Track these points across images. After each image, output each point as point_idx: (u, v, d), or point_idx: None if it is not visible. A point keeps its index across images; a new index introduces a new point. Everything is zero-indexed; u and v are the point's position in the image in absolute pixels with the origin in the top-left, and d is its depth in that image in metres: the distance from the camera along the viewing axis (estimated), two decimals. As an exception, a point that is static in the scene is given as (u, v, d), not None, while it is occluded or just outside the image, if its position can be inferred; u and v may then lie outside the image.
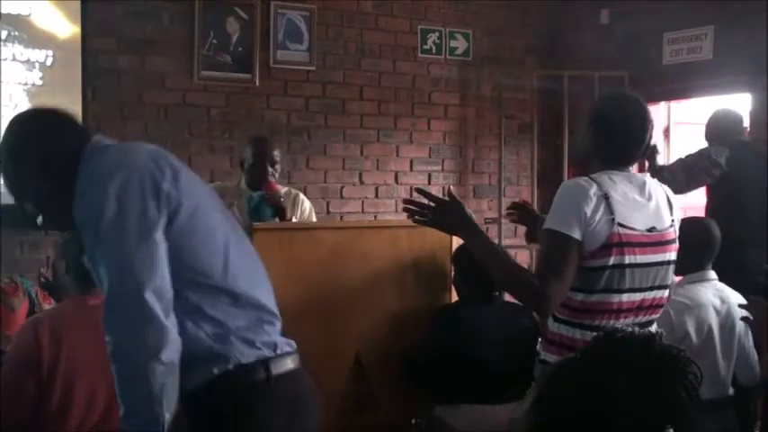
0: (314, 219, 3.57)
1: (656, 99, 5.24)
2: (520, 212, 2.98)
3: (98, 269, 1.69)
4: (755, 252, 3.88)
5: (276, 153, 3.48)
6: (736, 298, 2.95)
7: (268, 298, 1.88)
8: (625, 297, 2.11)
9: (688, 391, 1.41)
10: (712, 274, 3.01)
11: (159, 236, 1.66)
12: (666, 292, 2.23)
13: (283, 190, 3.39)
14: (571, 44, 5.93)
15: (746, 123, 4.61)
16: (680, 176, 4.08)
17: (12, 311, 2.83)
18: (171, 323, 1.64)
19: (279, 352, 1.82)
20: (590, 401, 1.44)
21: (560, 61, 5.92)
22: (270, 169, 3.38)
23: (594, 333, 1.77)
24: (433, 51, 5.62)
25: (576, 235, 2.04)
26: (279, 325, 1.88)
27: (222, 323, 1.75)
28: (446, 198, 2.14)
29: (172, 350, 1.63)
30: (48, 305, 2.95)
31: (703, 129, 4.51)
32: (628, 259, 2.08)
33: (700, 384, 1.43)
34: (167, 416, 1.63)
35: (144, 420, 1.63)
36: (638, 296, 2.13)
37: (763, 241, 3.91)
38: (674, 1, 5.19)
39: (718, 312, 2.90)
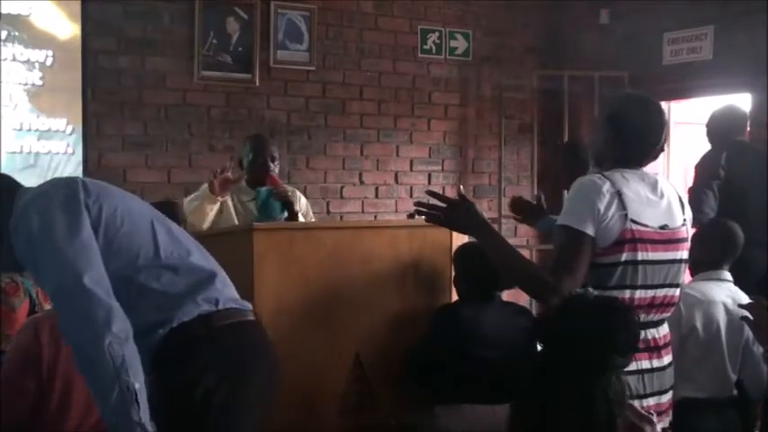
0: (311, 214, 3.58)
1: (656, 99, 5.22)
2: (520, 210, 2.97)
3: (44, 284, 1.87)
4: (756, 251, 3.88)
5: (275, 149, 3.48)
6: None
7: (204, 260, 2.05)
8: (637, 293, 2.12)
9: (626, 324, 1.73)
10: (727, 275, 3.00)
11: (86, 235, 1.83)
12: (678, 291, 2.23)
13: None
14: (571, 44, 5.93)
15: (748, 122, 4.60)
16: (707, 202, 4.09)
17: (12, 311, 2.82)
18: (114, 302, 1.78)
19: (221, 306, 1.97)
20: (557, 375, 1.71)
21: (560, 61, 5.92)
22: (270, 165, 3.39)
23: None
24: (433, 51, 5.62)
25: (590, 231, 2.06)
26: (221, 281, 2.03)
27: (169, 293, 1.93)
28: (457, 198, 2.15)
29: (121, 323, 1.76)
30: (48, 305, 2.94)
31: (703, 129, 4.51)
32: (640, 256, 2.10)
33: (636, 318, 1.76)
34: (137, 384, 1.73)
35: (116, 394, 1.72)
36: (649, 293, 2.14)
37: (763, 241, 3.91)
38: (674, 1, 5.20)
39: (728, 311, 2.89)
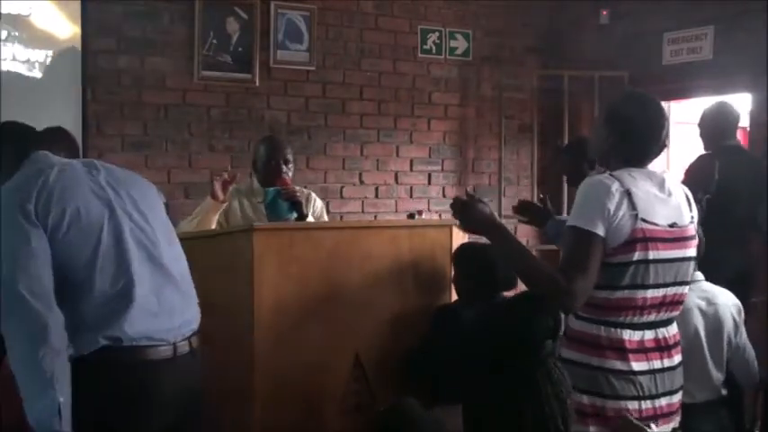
0: (325, 217, 3.57)
1: (656, 99, 5.23)
2: (527, 213, 2.96)
3: None
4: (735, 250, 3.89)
5: (288, 151, 3.47)
6: (724, 298, 2.92)
7: (144, 278, 2.02)
8: (649, 293, 2.12)
9: (543, 309, 1.89)
10: (698, 275, 2.98)
11: (34, 244, 1.89)
12: (687, 289, 2.24)
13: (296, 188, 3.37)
14: (571, 44, 5.93)
15: (742, 121, 4.60)
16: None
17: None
18: (53, 314, 1.84)
19: (126, 344, 1.95)
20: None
21: (560, 61, 5.92)
22: (284, 167, 3.38)
23: (619, 329, 2.10)
24: (433, 51, 5.63)
25: (600, 231, 2.06)
26: (143, 310, 1.98)
27: (84, 316, 1.93)
28: (464, 198, 2.16)
29: (56, 336, 1.84)
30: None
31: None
32: (651, 255, 2.10)
33: (561, 313, 1.94)
34: (61, 399, 1.80)
35: (42, 404, 1.81)
36: (660, 292, 2.14)
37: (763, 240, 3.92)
38: (674, 1, 5.20)
39: (704, 314, 2.86)
